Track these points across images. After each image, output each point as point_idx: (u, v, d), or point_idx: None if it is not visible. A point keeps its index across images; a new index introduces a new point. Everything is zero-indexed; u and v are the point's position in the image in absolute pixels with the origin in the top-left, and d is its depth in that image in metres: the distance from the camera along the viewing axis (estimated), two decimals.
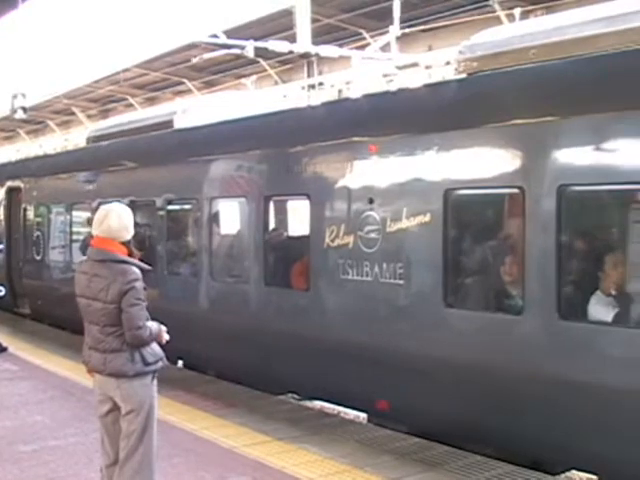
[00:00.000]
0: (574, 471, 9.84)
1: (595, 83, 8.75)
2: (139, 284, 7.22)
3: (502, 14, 21.10)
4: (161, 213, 15.07)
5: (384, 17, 22.77)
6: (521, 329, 8.92)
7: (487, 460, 9.21)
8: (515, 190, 9.01)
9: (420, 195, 9.97)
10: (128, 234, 7.46)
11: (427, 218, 9.80)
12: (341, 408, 12.56)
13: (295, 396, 13.00)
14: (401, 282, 10.13)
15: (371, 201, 10.57)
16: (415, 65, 21.81)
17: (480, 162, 9.37)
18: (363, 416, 11.85)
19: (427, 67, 21.41)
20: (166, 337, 7.48)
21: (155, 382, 7.42)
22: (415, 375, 9.97)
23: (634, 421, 8.01)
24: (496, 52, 9.98)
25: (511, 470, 8.88)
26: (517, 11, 20.68)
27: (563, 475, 9.30)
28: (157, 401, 7.46)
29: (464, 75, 10.36)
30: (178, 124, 15.90)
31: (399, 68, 21.40)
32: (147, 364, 7.26)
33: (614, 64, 8.71)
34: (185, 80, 35.08)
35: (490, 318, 9.33)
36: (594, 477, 9.05)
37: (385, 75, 22.02)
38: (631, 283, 8.63)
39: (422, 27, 23.23)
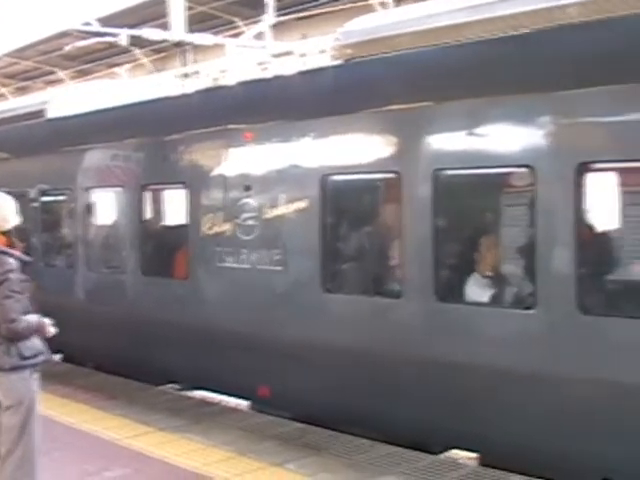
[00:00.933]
0: (455, 450, 9.99)
1: (468, 69, 8.90)
2: (14, 275, 7.05)
3: (376, 2, 21.30)
4: (35, 204, 14.75)
5: (258, 5, 22.72)
6: (400, 312, 9.03)
7: (370, 442, 9.30)
8: (391, 175, 9.12)
9: (297, 182, 10.01)
10: (7, 224, 7.28)
11: (304, 204, 9.84)
12: (223, 397, 12.52)
13: (176, 386, 12.90)
14: (279, 268, 10.16)
15: (248, 188, 10.56)
16: (290, 53, 21.79)
17: (357, 148, 9.44)
18: (245, 403, 11.83)
19: (302, 55, 21.41)
20: (52, 331, 7.34)
21: (36, 376, 7.28)
22: (295, 361, 10.02)
23: (511, 400, 8.20)
24: (372, 39, 10.05)
25: (393, 451, 9.00)
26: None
27: (444, 454, 9.44)
28: (38, 396, 7.33)
29: (340, 62, 10.41)
30: (50, 114, 15.57)
31: (274, 56, 21.35)
32: (24, 358, 7.11)
33: (486, 50, 8.87)
34: (57, 69, 34.44)
35: (369, 302, 9.43)
36: (474, 455, 9.22)
37: (260, 63, 21.94)
38: (505, 264, 8.83)
39: (296, 15, 23.28)
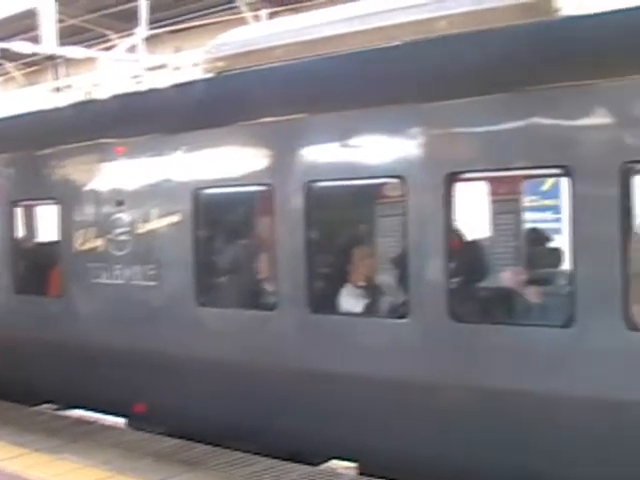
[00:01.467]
0: (335, 461, 10.03)
1: (340, 81, 8.97)
2: None
3: (249, 15, 21.32)
4: None
5: (131, 18, 22.53)
6: (275, 324, 9.04)
7: (248, 456, 9.26)
8: (264, 187, 9.12)
9: (169, 196, 9.94)
10: None
11: (176, 218, 9.78)
12: (100, 415, 12.32)
13: (52, 406, 12.63)
14: (153, 283, 10.06)
15: (120, 203, 10.44)
16: (164, 66, 21.70)
17: (229, 161, 9.43)
18: (122, 421, 11.67)
19: (176, 68, 21.33)
20: None
21: None
22: (171, 376, 9.92)
23: (387, 408, 8.28)
24: (243, 51, 10.06)
25: (272, 465, 8.97)
26: (264, 12, 20.94)
27: (323, 465, 9.47)
28: None
29: (212, 75, 10.38)
30: None
31: (148, 69, 21.23)
32: None
33: (358, 62, 8.95)
34: None
35: (244, 315, 9.42)
36: (353, 465, 9.27)
37: (134, 76, 21.79)
38: (378, 274, 8.92)
39: (170, 28, 23.13)
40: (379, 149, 8.33)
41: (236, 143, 9.45)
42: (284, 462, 9.01)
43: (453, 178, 7.79)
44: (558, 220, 10.89)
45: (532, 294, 8.10)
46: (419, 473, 8.14)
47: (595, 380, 7.17)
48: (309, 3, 20.44)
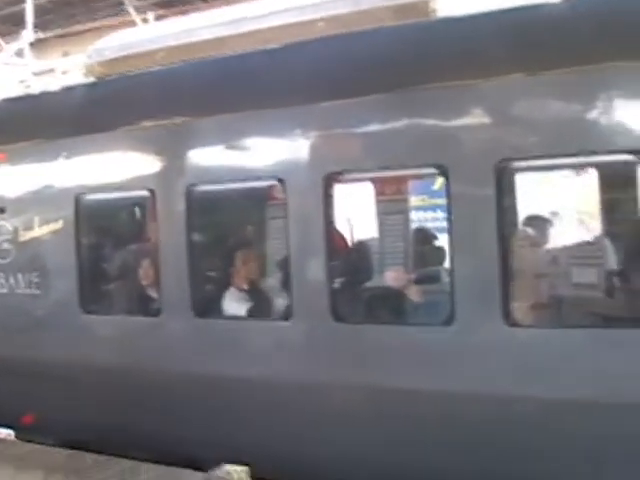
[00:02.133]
0: (228, 465, 9.97)
1: (219, 85, 8.94)
2: None
3: (137, 18, 21.12)
4: None
5: (18, 21, 22.11)
6: (160, 330, 8.97)
7: (140, 464, 9.15)
8: (146, 192, 9.04)
9: (51, 202, 9.77)
10: None
11: (59, 225, 9.63)
12: None
13: None
14: (38, 292, 9.90)
15: (2, 211, 10.24)
16: (51, 71, 21.33)
17: (111, 166, 9.31)
18: (10, 432, 11.43)
19: (64, 72, 21.00)
20: None
21: None
22: (58, 385, 9.76)
23: (275, 410, 8.28)
24: (123, 55, 9.96)
25: (164, 472, 8.87)
26: (151, 15, 20.77)
27: (215, 470, 9.40)
28: None
29: (93, 79, 10.25)
30: None
31: (35, 74, 20.84)
32: None
33: (236, 66, 8.93)
34: None
35: (129, 321, 9.33)
36: (245, 468, 9.23)
37: (22, 81, 21.37)
38: (261, 277, 8.92)
39: (57, 32, 22.79)
40: (259, 152, 8.32)
41: (118, 148, 9.34)
42: (177, 469, 8.92)
43: (332, 179, 7.82)
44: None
45: (414, 293, 8.17)
46: (310, 475, 8.16)
47: (477, 377, 7.28)
48: (196, 6, 20.34)
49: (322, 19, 8.57)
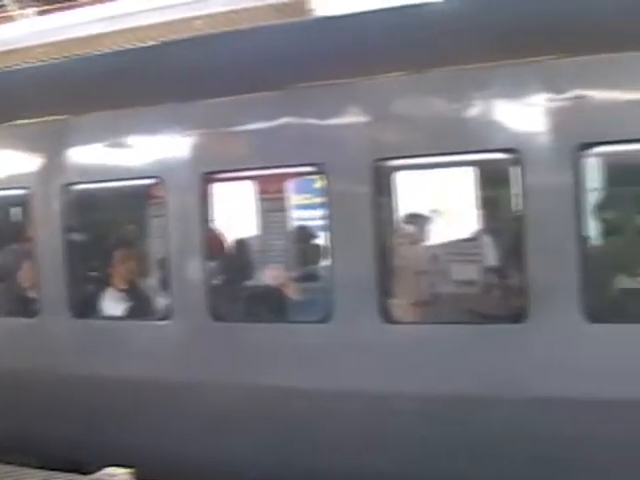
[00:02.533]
0: (112, 468, 9.85)
1: (97, 82, 8.80)
2: None
3: (17, 14, 20.64)
4: None
5: None
6: (38, 331, 8.81)
7: (19, 469, 8.96)
8: (22, 191, 8.86)
9: None
10: None
11: None
12: None
13: None
14: None
15: None
16: None
17: None
18: None
19: None
20: None
21: None
22: None
23: (157, 410, 8.20)
24: (2, 51, 9.76)
25: (45, 476, 8.71)
26: (31, 11, 20.31)
27: (99, 473, 9.27)
28: None
29: None
30: None
31: None
32: None
33: (114, 63, 8.82)
34: None
35: (10, 323, 9.17)
36: (129, 470, 9.13)
37: None
38: (140, 277, 8.82)
39: None
40: (138, 150, 8.24)
41: None
42: (59, 473, 8.76)
43: (209, 178, 7.78)
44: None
45: (293, 291, 8.17)
46: (195, 475, 8.11)
47: (355, 373, 7.31)
48: (77, 2, 19.95)
49: (200, 17, 8.53)
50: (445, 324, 7.29)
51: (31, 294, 9.06)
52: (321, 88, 7.51)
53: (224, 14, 8.41)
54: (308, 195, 9.79)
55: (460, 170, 8.20)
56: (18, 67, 9.44)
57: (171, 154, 8.01)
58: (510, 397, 6.82)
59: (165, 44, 8.42)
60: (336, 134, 7.43)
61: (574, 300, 6.61)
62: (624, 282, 7.15)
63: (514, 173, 6.90)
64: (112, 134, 8.36)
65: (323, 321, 7.41)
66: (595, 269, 6.80)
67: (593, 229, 7.05)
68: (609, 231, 7.46)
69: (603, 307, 6.90)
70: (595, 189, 7.10)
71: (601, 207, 7.34)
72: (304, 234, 9.25)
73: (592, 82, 6.70)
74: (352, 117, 7.43)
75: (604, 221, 7.36)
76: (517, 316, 6.88)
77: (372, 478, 7.45)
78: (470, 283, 7.87)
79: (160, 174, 7.99)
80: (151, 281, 8.65)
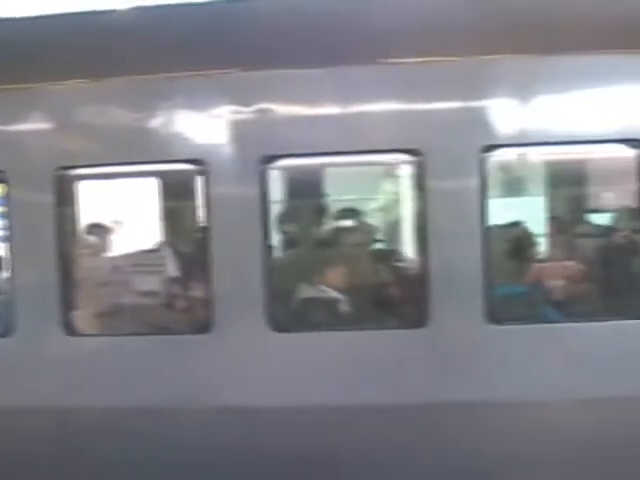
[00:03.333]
0: None
1: None
2: None
3: None
4: None
5: None
6: None
7: None
8: None
9: None
10: None
11: None
12: None
13: None
14: None
15: None
16: None
17: None
18: None
19: None
20: None
21: None
22: None
23: None
24: None
25: None
26: None
27: None
28: None
29: None
30: None
31: None
32: None
33: None
34: None
35: None
36: None
37: None
38: None
39: None
40: None
41: None
42: None
43: None
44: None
45: None
46: None
47: (40, 388, 7.10)
48: None
49: None
50: (129, 336, 7.24)
51: None
52: (5, 92, 7.22)
53: None
54: None
55: (145, 180, 8.17)
56: None
57: None
58: (197, 407, 6.86)
59: None
60: (18, 141, 7.19)
61: (259, 310, 6.75)
62: (307, 291, 7.39)
63: (199, 184, 6.94)
64: None
65: (4, 335, 7.14)
66: (279, 279, 6.98)
67: (277, 240, 7.23)
68: (292, 242, 7.70)
69: (287, 317, 7.10)
70: (279, 201, 7.29)
71: (285, 218, 7.57)
72: None
73: (276, 96, 6.88)
74: (34, 124, 7.21)
75: (287, 232, 7.59)
76: (203, 327, 6.94)
77: None
78: (154, 294, 7.84)
79: None
80: None
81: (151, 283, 7.88)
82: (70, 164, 7.14)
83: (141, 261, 8.14)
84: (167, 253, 8.09)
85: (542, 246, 7.94)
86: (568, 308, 7.34)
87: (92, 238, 8.25)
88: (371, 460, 6.88)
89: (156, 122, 7.03)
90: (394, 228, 8.58)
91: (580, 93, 6.82)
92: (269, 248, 6.95)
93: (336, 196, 8.65)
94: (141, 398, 6.96)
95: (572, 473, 6.83)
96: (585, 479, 6.86)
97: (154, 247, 8.35)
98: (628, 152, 6.76)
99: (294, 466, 6.88)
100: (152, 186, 8.41)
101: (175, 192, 8.11)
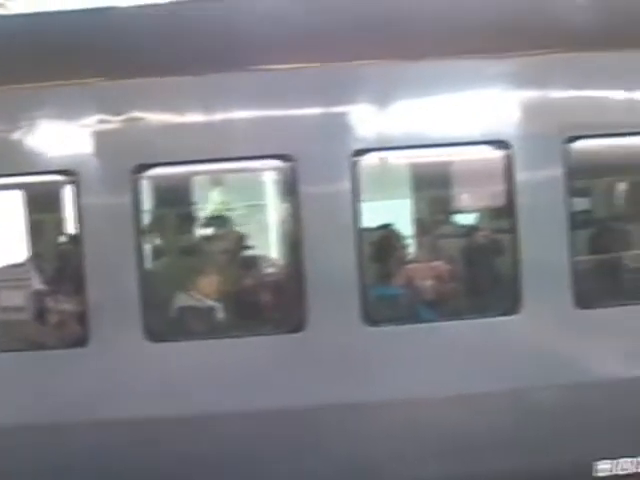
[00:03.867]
0: None
1: None
2: None
3: None
4: None
5: None
6: None
7: None
8: None
9: None
10: None
11: None
12: None
13: None
14: None
15: None
16: None
17: None
18: None
19: None
20: None
21: None
22: None
23: None
24: None
25: None
26: None
27: None
28: None
29: None
30: None
31: None
32: None
33: None
34: None
35: None
36: None
37: None
38: None
39: None
40: None
41: None
42: None
43: None
44: None
45: None
46: None
47: None
48: None
49: None
50: None
51: None
52: None
53: None
54: None
55: (10, 193, 7.99)
56: None
57: None
58: (75, 421, 6.75)
59: None
60: None
61: (136, 321, 6.69)
62: (182, 300, 7.35)
63: (70, 195, 6.83)
64: None
65: None
66: (154, 289, 6.93)
67: (151, 249, 7.18)
68: (165, 251, 7.64)
69: (163, 326, 7.05)
70: (151, 210, 7.23)
71: (156, 227, 7.51)
72: None
73: (148, 105, 6.83)
74: None
75: (160, 241, 7.53)
76: (78, 340, 6.84)
77: None
78: (21, 310, 7.67)
79: None
80: None
81: (18, 298, 7.69)
82: None
83: (8, 276, 7.95)
84: (36, 266, 7.91)
85: (411, 247, 8.08)
86: (439, 307, 7.50)
87: None
88: (252, 464, 6.90)
89: (22, 133, 6.89)
90: (266, 234, 8.59)
91: (446, 97, 7.01)
92: (143, 258, 6.89)
93: (207, 204, 8.62)
94: (16, 415, 6.81)
95: (447, 466, 7.01)
96: (457, 471, 7.05)
97: (22, 261, 8.16)
98: (494, 153, 6.99)
99: (175, 476, 6.85)
100: (18, 198, 8.21)
101: (44, 204, 7.95)
